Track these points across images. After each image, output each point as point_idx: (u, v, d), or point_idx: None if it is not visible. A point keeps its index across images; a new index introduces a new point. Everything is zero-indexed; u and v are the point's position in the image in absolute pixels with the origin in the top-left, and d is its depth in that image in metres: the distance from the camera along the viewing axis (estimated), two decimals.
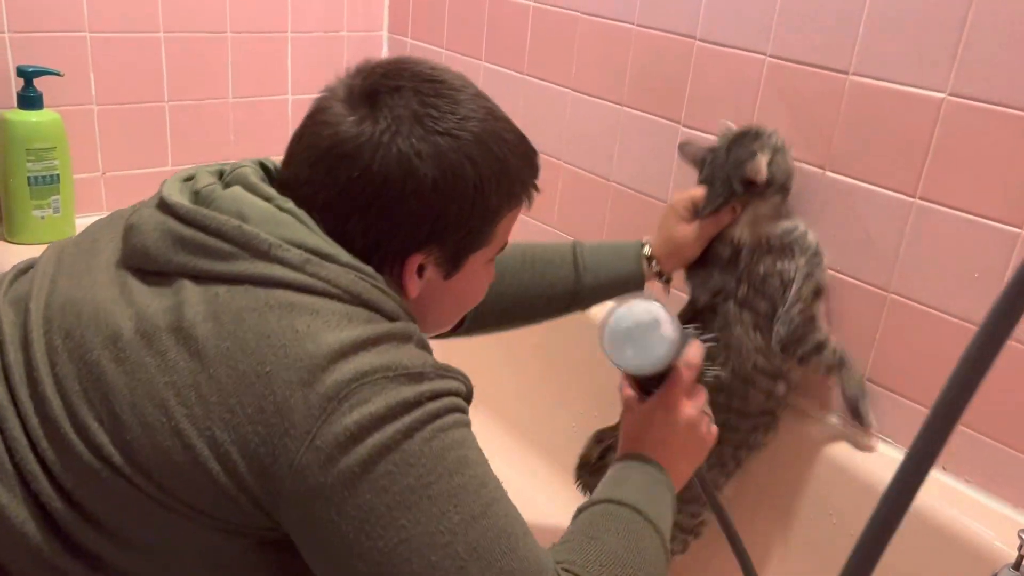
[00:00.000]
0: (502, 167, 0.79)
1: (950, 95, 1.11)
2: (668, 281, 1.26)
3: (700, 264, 1.25)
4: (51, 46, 1.62)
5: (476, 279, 0.87)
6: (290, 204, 0.76)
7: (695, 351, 0.93)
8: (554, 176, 1.71)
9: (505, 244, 0.89)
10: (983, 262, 1.11)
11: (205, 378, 0.69)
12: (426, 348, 0.79)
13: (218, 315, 0.71)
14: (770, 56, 1.30)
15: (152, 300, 0.74)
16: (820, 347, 1.20)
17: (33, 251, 0.89)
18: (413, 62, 0.81)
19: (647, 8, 1.47)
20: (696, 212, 1.22)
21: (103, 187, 1.77)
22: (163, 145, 1.82)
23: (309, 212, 0.76)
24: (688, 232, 1.22)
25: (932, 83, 1.12)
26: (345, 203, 0.76)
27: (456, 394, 0.75)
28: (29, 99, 1.57)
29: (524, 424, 1.73)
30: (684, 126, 1.45)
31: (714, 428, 0.97)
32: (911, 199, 1.16)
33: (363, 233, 0.77)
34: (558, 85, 1.66)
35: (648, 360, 0.88)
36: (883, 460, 1.22)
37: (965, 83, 1.09)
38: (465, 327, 1.16)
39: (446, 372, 0.76)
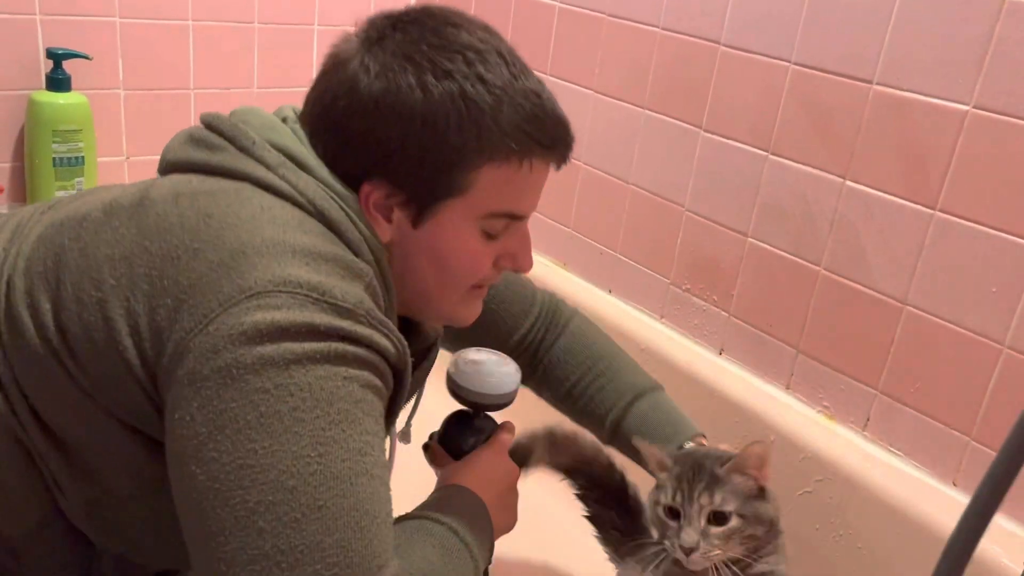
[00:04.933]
0: (473, 108, 0.72)
1: (974, 108, 1.10)
2: None
3: None
4: (81, 30, 1.64)
5: (456, 238, 0.78)
6: (297, 126, 0.78)
7: (510, 427, 0.97)
8: (573, 177, 1.71)
9: (514, 215, 0.80)
10: (1001, 277, 1.10)
11: (141, 250, 0.69)
12: (376, 298, 0.72)
13: (178, 196, 0.71)
14: (794, 63, 1.29)
15: (133, 186, 0.76)
16: None
17: None
18: (456, 15, 0.77)
19: (672, 12, 1.47)
20: None
21: (127, 171, 1.78)
22: None
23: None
24: None
25: (957, 95, 1.11)
26: (313, 120, 0.77)
27: (379, 351, 0.69)
28: (57, 81, 1.59)
29: None
30: (705, 131, 1.44)
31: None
32: (931, 211, 1.16)
33: (324, 152, 0.76)
34: (581, 86, 1.67)
35: (502, 386, 0.95)
36: (899, 475, 1.21)
37: (990, 96, 1.08)
38: (531, 375, 1.12)
39: (380, 325, 0.69)
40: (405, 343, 0.72)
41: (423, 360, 0.91)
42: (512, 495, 0.92)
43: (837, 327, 1.29)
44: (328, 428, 0.64)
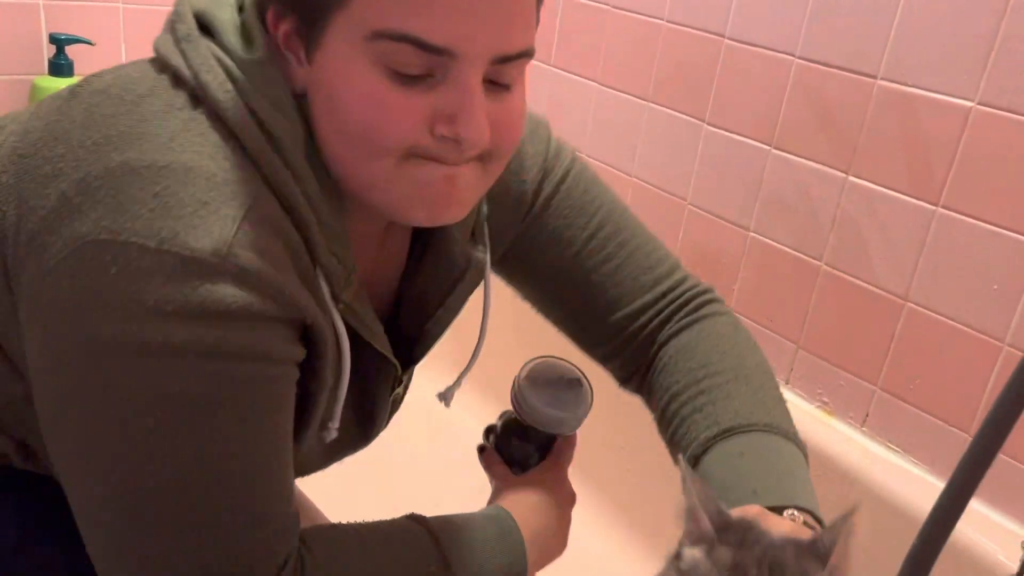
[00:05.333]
0: None
1: (979, 104, 1.10)
2: None
3: None
4: (84, 15, 1.64)
5: (347, 71, 0.58)
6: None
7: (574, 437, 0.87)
8: None
9: (414, 39, 0.56)
10: (1003, 274, 1.10)
11: (34, 149, 0.60)
12: (269, 220, 0.57)
13: (106, 85, 0.61)
14: (799, 58, 1.29)
15: None
16: None
17: None
18: None
19: (677, 5, 1.46)
20: None
21: None
22: None
23: None
24: None
25: (961, 91, 1.11)
26: None
27: (246, 315, 0.55)
28: (60, 66, 1.59)
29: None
30: (709, 124, 1.44)
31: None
32: (934, 207, 1.15)
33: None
34: (584, 78, 1.66)
35: (570, 415, 0.82)
36: (897, 471, 1.21)
37: (995, 93, 1.08)
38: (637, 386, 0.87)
39: (248, 275, 0.54)
40: (282, 289, 0.57)
41: (451, 293, 0.76)
42: (564, 525, 0.82)
43: (838, 322, 1.29)
44: (174, 437, 0.56)
